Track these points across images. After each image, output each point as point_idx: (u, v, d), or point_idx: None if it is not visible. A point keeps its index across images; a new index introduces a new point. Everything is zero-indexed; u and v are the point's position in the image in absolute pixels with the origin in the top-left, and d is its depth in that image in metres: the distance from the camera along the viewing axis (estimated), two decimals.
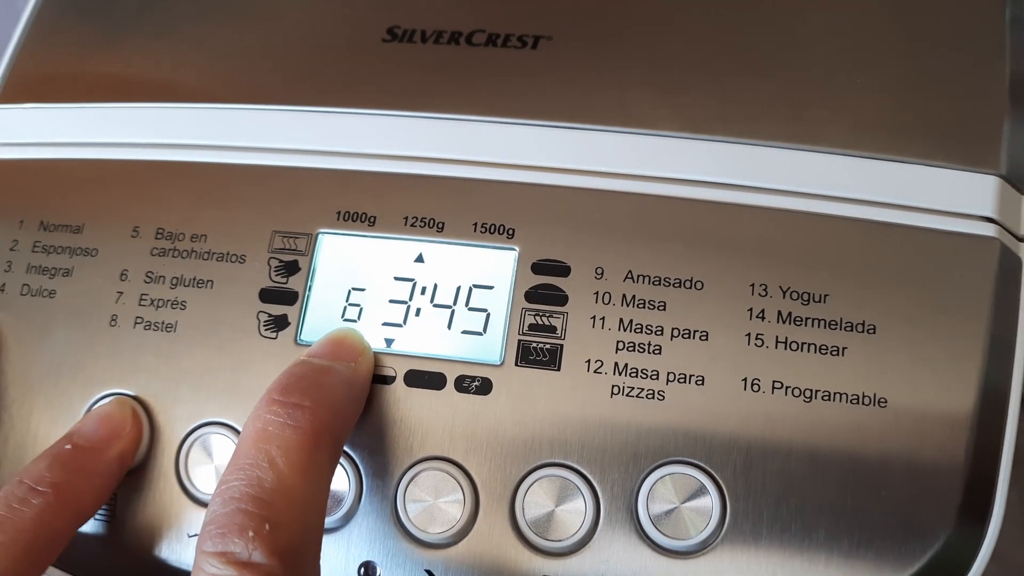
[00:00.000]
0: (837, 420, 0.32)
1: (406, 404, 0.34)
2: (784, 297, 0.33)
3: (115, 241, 0.37)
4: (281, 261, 0.36)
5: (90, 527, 0.35)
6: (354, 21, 0.40)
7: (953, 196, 0.34)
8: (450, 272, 0.35)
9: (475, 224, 0.35)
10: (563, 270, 0.34)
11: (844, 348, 0.33)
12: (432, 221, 0.36)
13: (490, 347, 0.34)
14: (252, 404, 0.34)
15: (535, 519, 0.33)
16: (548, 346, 0.34)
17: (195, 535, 0.34)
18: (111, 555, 0.35)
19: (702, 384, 0.33)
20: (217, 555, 0.27)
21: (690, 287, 0.34)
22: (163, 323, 0.36)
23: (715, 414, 0.32)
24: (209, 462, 0.34)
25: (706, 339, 0.33)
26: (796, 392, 0.32)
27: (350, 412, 0.33)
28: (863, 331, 0.33)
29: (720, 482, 0.32)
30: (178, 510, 0.35)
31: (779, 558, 0.32)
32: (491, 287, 0.35)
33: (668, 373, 0.33)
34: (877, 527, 0.32)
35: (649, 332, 0.33)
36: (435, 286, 0.35)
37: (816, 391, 0.32)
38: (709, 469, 0.32)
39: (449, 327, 0.35)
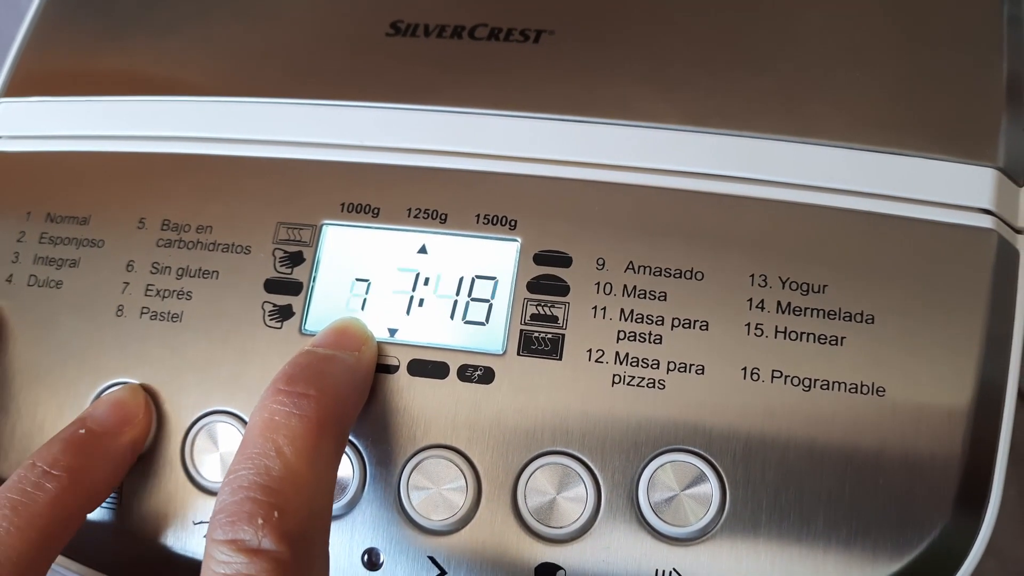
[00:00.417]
0: (836, 409, 0.32)
1: (409, 393, 0.34)
2: (783, 288, 0.34)
3: (121, 232, 0.37)
4: (286, 252, 0.36)
5: (97, 514, 0.35)
6: (358, 15, 0.40)
7: (951, 188, 0.35)
8: (453, 263, 0.35)
9: (477, 215, 0.36)
10: (565, 261, 0.35)
11: (843, 338, 0.33)
12: (435, 213, 0.36)
13: (492, 337, 0.34)
14: (257, 393, 0.34)
15: (537, 506, 0.33)
16: (550, 336, 0.34)
17: (201, 522, 0.35)
18: (117, 542, 0.35)
19: (702, 373, 0.33)
20: (227, 543, 0.28)
21: (690, 278, 0.34)
22: (169, 313, 0.36)
23: (715, 403, 0.33)
24: (215, 450, 0.35)
25: (706, 329, 0.33)
26: (795, 381, 0.33)
27: (354, 399, 0.33)
28: (862, 321, 0.33)
29: (720, 470, 0.32)
30: (184, 498, 0.35)
31: (777, 546, 0.32)
32: (493, 278, 0.35)
33: (668, 362, 0.33)
34: (874, 516, 0.32)
35: (650, 322, 0.34)
36: (438, 277, 0.35)
37: (815, 380, 0.33)
38: (709, 457, 0.32)
39: (452, 317, 0.35)
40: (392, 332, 0.35)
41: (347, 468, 0.34)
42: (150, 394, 0.36)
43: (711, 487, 0.32)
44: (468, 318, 0.35)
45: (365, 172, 0.37)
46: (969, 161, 0.35)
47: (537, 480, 0.33)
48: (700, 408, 0.33)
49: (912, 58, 0.37)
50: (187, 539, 0.35)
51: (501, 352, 0.34)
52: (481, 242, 0.35)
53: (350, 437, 0.34)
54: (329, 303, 0.36)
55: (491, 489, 0.33)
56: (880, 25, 0.37)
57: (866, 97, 0.36)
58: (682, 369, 0.33)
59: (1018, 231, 0.35)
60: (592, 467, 0.33)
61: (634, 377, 0.33)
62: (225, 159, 0.38)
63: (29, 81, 0.41)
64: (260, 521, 0.28)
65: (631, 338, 0.34)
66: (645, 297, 0.34)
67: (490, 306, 0.35)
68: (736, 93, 0.36)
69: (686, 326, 0.34)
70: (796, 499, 0.32)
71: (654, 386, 0.33)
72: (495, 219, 0.36)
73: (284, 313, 0.36)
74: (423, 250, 0.36)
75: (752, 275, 0.34)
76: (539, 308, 0.34)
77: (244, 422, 0.35)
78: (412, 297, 0.35)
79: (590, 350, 0.34)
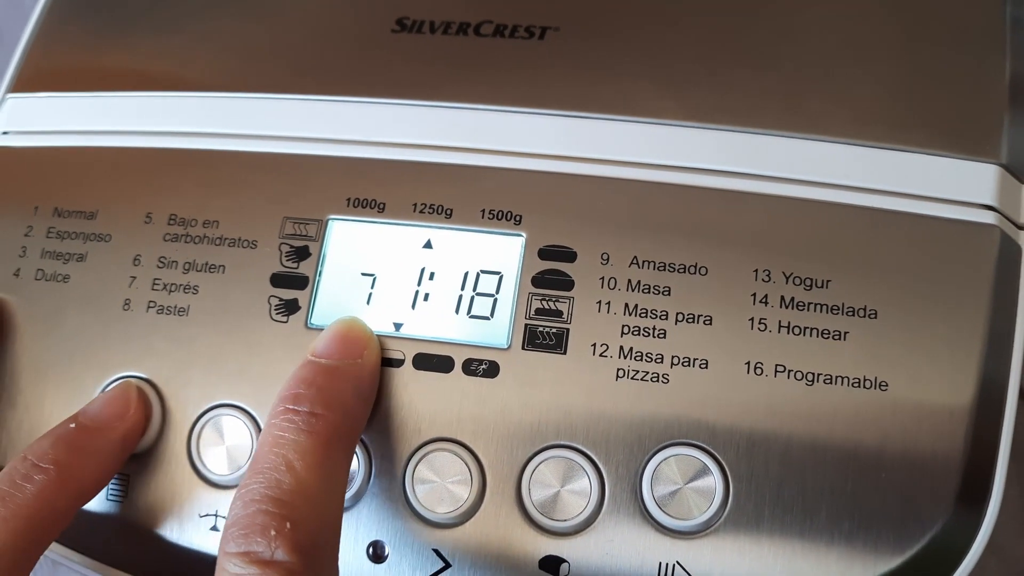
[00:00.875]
0: (838, 403, 0.33)
1: (414, 387, 0.34)
2: (787, 282, 0.34)
3: (128, 227, 0.38)
4: (292, 246, 0.36)
5: (103, 508, 0.36)
6: (364, 12, 0.40)
7: (954, 184, 0.35)
8: (458, 258, 0.36)
9: (483, 211, 0.36)
10: (569, 256, 0.35)
11: (846, 333, 0.33)
12: (440, 208, 0.36)
13: (497, 331, 0.35)
14: (263, 387, 0.35)
15: (541, 500, 0.33)
16: (554, 330, 0.34)
17: (206, 515, 0.35)
18: (123, 535, 0.35)
19: (706, 368, 0.33)
20: (240, 555, 0.28)
21: (694, 272, 0.34)
22: (175, 307, 0.36)
23: (718, 397, 0.33)
24: (220, 443, 0.35)
25: (710, 323, 0.34)
26: (798, 376, 0.33)
27: (361, 409, 0.33)
28: (864, 316, 0.33)
29: (723, 464, 0.33)
30: (189, 491, 0.35)
31: (780, 539, 0.32)
32: (498, 272, 0.35)
33: (672, 357, 0.33)
34: (876, 511, 0.32)
35: (654, 316, 0.34)
36: (443, 271, 0.36)
37: (818, 375, 0.33)
38: (712, 451, 0.33)
39: (457, 311, 0.35)
40: (397, 326, 0.35)
41: (352, 461, 0.34)
42: (156, 388, 0.36)
43: (714, 481, 0.32)
44: (473, 312, 0.35)
45: (371, 167, 0.37)
46: (972, 157, 0.35)
47: (541, 473, 0.33)
48: (703, 402, 0.33)
49: (915, 55, 0.37)
50: (193, 532, 0.35)
51: (506, 346, 0.34)
52: (486, 237, 0.36)
53: None
54: (335, 297, 0.36)
55: (495, 482, 0.33)
56: (883, 22, 0.37)
57: (869, 93, 0.36)
58: (686, 363, 0.33)
59: (1021, 227, 0.35)
60: (596, 461, 0.33)
61: (638, 371, 0.33)
62: (232, 154, 0.38)
63: (36, 77, 0.42)
64: (273, 533, 0.28)
65: (635, 332, 0.34)
66: (649, 292, 0.34)
67: (495, 301, 0.35)
68: (740, 89, 0.37)
69: (690, 321, 0.34)
70: (799, 493, 0.32)
71: (658, 380, 0.33)
72: (500, 214, 0.36)
73: (290, 307, 0.36)
74: (428, 245, 0.36)
75: (756, 270, 0.34)
76: (544, 303, 0.35)
77: (250, 416, 0.35)
78: (417, 291, 0.36)
79: (594, 344, 0.34)
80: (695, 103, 0.36)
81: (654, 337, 0.34)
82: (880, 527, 0.32)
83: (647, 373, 0.33)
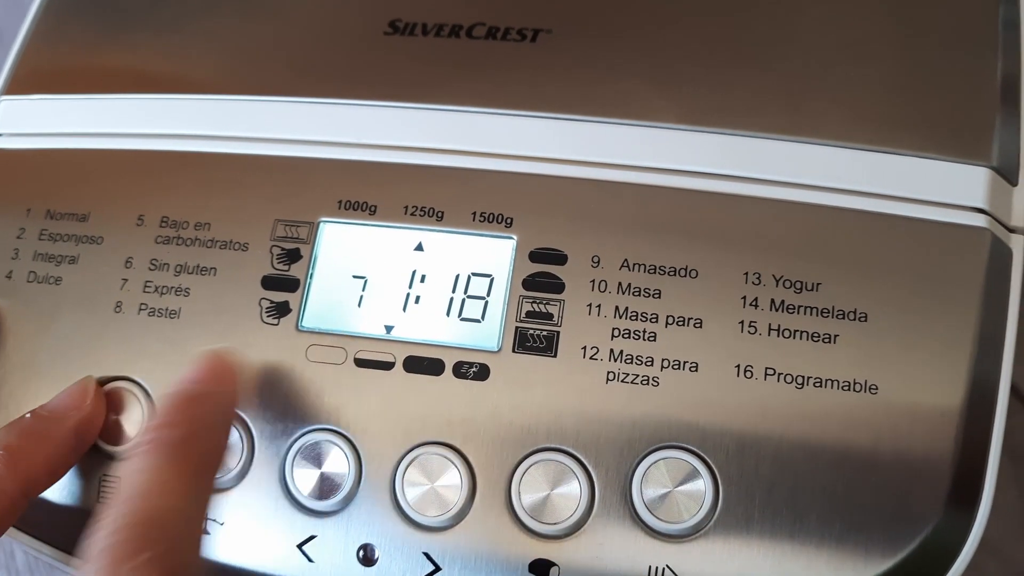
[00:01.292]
0: (829, 406, 0.33)
1: (405, 389, 0.34)
2: (777, 285, 0.34)
3: (120, 229, 0.38)
4: (283, 249, 0.36)
5: (92, 509, 0.36)
6: (356, 14, 0.40)
7: (945, 187, 0.35)
8: (449, 260, 0.36)
9: (474, 213, 0.36)
10: (560, 258, 0.35)
11: (836, 336, 0.33)
12: (432, 210, 0.36)
13: (488, 334, 0.35)
14: (254, 389, 0.35)
15: (531, 503, 0.33)
16: (545, 333, 0.34)
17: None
18: None
19: (696, 370, 0.33)
20: None
21: (685, 275, 0.34)
22: (167, 309, 0.36)
23: (708, 400, 0.33)
24: None
25: (700, 326, 0.34)
26: (788, 379, 0.33)
27: (222, 434, 0.33)
28: (855, 319, 0.33)
29: (713, 466, 0.33)
30: None
31: (771, 542, 0.32)
32: (489, 275, 0.35)
33: (663, 359, 0.33)
34: (867, 513, 0.32)
35: (644, 319, 0.34)
36: (435, 274, 0.36)
37: (808, 378, 0.33)
38: (702, 454, 0.33)
39: (448, 314, 0.35)
40: (388, 329, 0.35)
41: (343, 464, 0.34)
42: (146, 390, 0.36)
43: (704, 484, 0.32)
44: (464, 315, 0.35)
45: (363, 170, 0.37)
46: (963, 160, 0.35)
47: (532, 477, 0.33)
48: (694, 405, 0.33)
49: (907, 58, 0.37)
50: None
51: (496, 349, 0.34)
52: (477, 240, 0.36)
53: (346, 433, 0.34)
54: (326, 300, 0.36)
55: (486, 485, 0.33)
56: (876, 25, 0.38)
57: (861, 97, 0.36)
58: (676, 366, 0.33)
59: (1012, 230, 0.35)
60: (586, 464, 0.33)
61: (628, 374, 0.33)
62: (223, 156, 0.38)
63: (30, 79, 0.42)
64: (134, 560, 0.28)
65: (626, 335, 0.34)
66: (640, 295, 0.34)
67: (486, 303, 0.35)
68: (730, 92, 0.37)
69: (680, 324, 0.34)
70: (789, 496, 0.32)
71: (648, 383, 0.33)
72: (491, 217, 0.36)
73: (281, 310, 0.36)
74: (420, 247, 0.36)
75: (746, 273, 0.34)
76: (534, 305, 0.35)
77: (240, 419, 0.35)
78: (408, 294, 0.36)
79: (585, 347, 0.34)
80: (686, 106, 0.37)
81: (644, 340, 0.34)
82: (871, 529, 0.32)
83: (637, 376, 0.33)
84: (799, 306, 0.34)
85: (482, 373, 0.34)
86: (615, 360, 0.34)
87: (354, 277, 0.36)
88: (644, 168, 0.36)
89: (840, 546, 0.32)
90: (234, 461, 0.35)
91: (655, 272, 0.34)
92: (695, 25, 0.38)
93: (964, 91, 0.36)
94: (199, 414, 0.32)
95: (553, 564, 0.33)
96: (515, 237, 0.35)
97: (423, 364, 0.35)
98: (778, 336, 0.33)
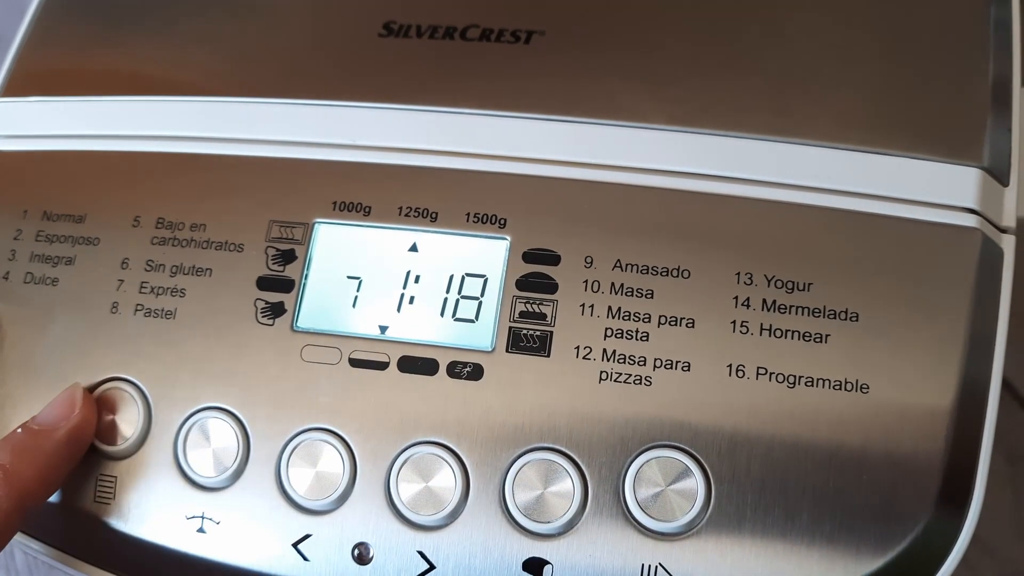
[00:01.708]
0: (820, 406, 0.33)
1: (399, 389, 0.35)
2: (769, 285, 0.34)
3: (116, 230, 0.38)
4: (278, 250, 0.37)
5: (90, 509, 0.36)
6: (350, 16, 0.41)
7: (936, 188, 0.35)
8: (443, 261, 0.36)
9: (468, 214, 0.36)
10: (553, 259, 0.35)
11: (827, 335, 0.33)
12: (426, 211, 0.36)
13: (482, 334, 0.35)
14: (249, 389, 0.35)
15: (525, 501, 0.33)
16: (538, 333, 0.34)
17: (192, 517, 0.35)
18: (109, 536, 0.36)
19: (688, 370, 0.33)
20: None
21: (677, 276, 0.34)
22: (163, 310, 0.37)
23: (700, 399, 0.33)
24: (207, 446, 0.35)
25: (692, 326, 0.34)
26: (780, 378, 0.33)
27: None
28: (846, 319, 0.33)
29: (705, 465, 0.33)
30: (176, 493, 0.35)
31: (762, 540, 0.32)
32: (483, 276, 0.35)
33: (655, 359, 0.34)
34: (858, 511, 0.32)
35: (637, 319, 0.34)
36: (429, 274, 0.36)
37: (799, 377, 0.33)
38: (694, 453, 0.33)
39: (442, 314, 0.35)
40: (383, 329, 0.35)
41: (337, 463, 0.34)
42: (142, 390, 0.36)
43: (696, 482, 0.33)
44: (458, 315, 0.35)
45: (357, 171, 0.37)
46: (954, 161, 0.35)
47: (525, 475, 0.33)
48: (686, 404, 0.33)
49: (898, 59, 0.37)
50: (179, 534, 0.35)
51: (490, 349, 0.35)
52: (471, 240, 0.36)
53: (340, 432, 0.34)
54: (321, 300, 0.36)
55: (479, 484, 0.34)
56: (866, 26, 0.38)
57: (852, 97, 0.36)
58: (668, 366, 0.34)
59: (1003, 230, 0.35)
60: (579, 463, 0.33)
61: (621, 374, 0.34)
62: (219, 158, 0.38)
63: (26, 81, 0.42)
64: None
65: (618, 335, 0.34)
66: (632, 295, 0.34)
67: (479, 304, 0.35)
68: (723, 93, 0.37)
69: (672, 323, 0.34)
70: (780, 494, 0.32)
71: (640, 383, 0.34)
72: (485, 218, 0.36)
73: (276, 310, 0.36)
74: (414, 248, 0.36)
75: (738, 273, 0.34)
76: (528, 306, 0.35)
77: (236, 418, 0.35)
78: (403, 295, 0.36)
79: (578, 347, 0.34)
80: (679, 107, 0.37)
81: (637, 340, 0.34)
82: (862, 528, 0.32)
83: (630, 375, 0.34)
84: (791, 306, 0.34)
85: (476, 373, 0.34)
86: (608, 360, 0.34)
87: (349, 278, 0.36)
88: (637, 169, 0.36)
89: (831, 544, 0.32)
90: (229, 460, 0.35)
91: (647, 272, 0.35)
92: (687, 27, 0.38)
93: (955, 91, 0.36)
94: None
95: (546, 563, 0.33)
96: (508, 238, 0.36)
97: (417, 364, 0.35)
98: (770, 336, 0.33)
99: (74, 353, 0.37)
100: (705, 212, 0.35)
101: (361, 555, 0.34)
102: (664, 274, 0.34)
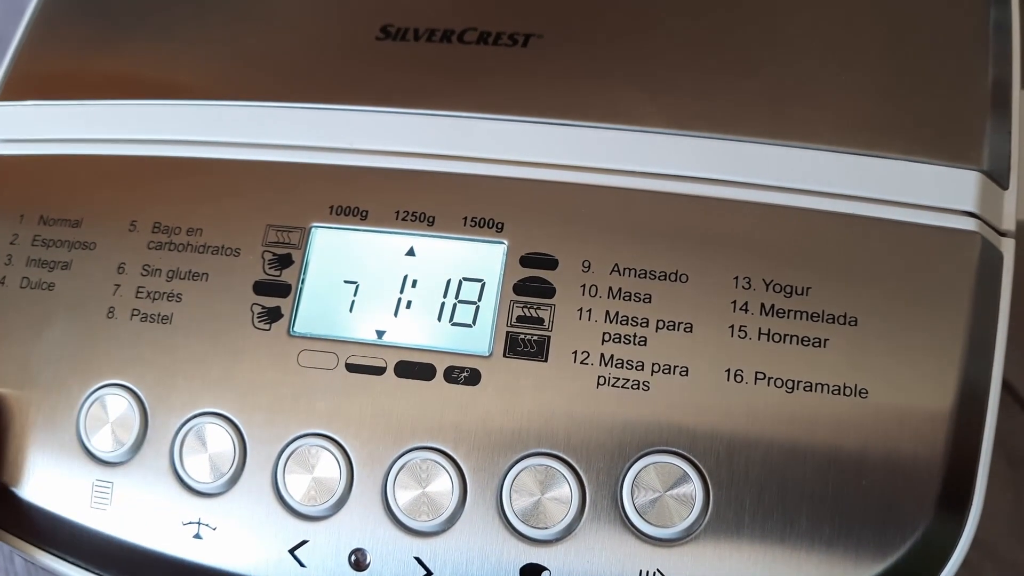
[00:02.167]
0: (819, 411, 0.33)
1: (396, 394, 0.34)
2: (767, 290, 0.34)
3: (113, 235, 0.38)
4: (275, 254, 0.36)
5: (87, 515, 0.36)
6: (348, 20, 0.41)
7: (935, 191, 0.35)
8: (440, 265, 0.36)
9: (465, 218, 0.36)
10: (551, 263, 0.35)
11: (826, 340, 0.33)
12: (423, 215, 0.36)
13: (479, 339, 0.35)
14: (246, 395, 0.35)
15: (522, 507, 0.33)
16: (536, 337, 0.34)
17: (189, 523, 0.35)
18: (105, 541, 0.35)
19: (686, 375, 0.33)
20: None
21: (675, 280, 0.34)
22: (159, 315, 0.36)
23: (699, 404, 0.33)
24: (203, 451, 0.35)
25: (690, 331, 0.34)
26: (778, 383, 0.33)
27: None
28: (845, 323, 0.33)
29: (703, 471, 0.33)
30: (172, 498, 0.35)
31: (761, 546, 0.32)
32: (480, 280, 0.35)
33: (653, 364, 0.34)
34: (857, 516, 0.32)
35: (635, 324, 0.34)
36: (426, 279, 0.36)
37: (798, 382, 0.33)
38: (692, 458, 0.33)
39: (439, 319, 0.35)
40: (380, 334, 0.35)
41: (334, 469, 0.34)
42: (139, 396, 0.36)
43: (694, 488, 0.32)
44: (455, 320, 0.35)
45: (354, 175, 0.37)
46: (954, 164, 0.35)
47: (522, 481, 0.33)
48: (684, 409, 0.33)
49: (897, 62, 0.37)
50: (175, 540, 0.35)
51: (487, 354, 0.34)
52: (468, 244, 0.36)
53: (337, 438, 0.34)
54: (318, 305, 0.36)
55: (477, 490, 0.33)
56: (866, 29, 0.38)
57: (851, 101, 0.36)
58: (666, 371, 0.33)
59: (1002, 234, 0.35)
60: (577, 468, 0.33)
61: (619, 379, 0.34)
62: (215, 162, 0.38)
63: (23, 85, 0.42)
64: None
65: (616, 340, 0.34)
66: (630, 299, 0.34)
67: (477, 308, 0.35)
68: (722, 97, 0.37)
69: (670, 328, 0.34)
70: (779, 499, 0.32)
71: (638, 388, 0.33)
72: (482, 222, 0.36)
73: (273, 315, 0.36)
74: (411, 252, 0.36)
75: (736, 277, 0.34)
76: (525, 310, 0.35)
77: (233, 424, 0.35)
78: (400, 299, 0.36)
79: (575, 352, 0.34)
80: (677, 111, 0.37)
81: (635, 344, 0.34)
82: (861, 533, 0.32)
83: (628, 380, 0.33)
84: (789, 310, 0.34)
85: (473, 378, 0.34)
86: (606, 364, 0.34)
87: (345, 282, 0.36)
88: (635, 173, 0.36)
89: (830, 549, 0.32)
90: (226, 466, 0.35)
91: (645, 277, 0.34)
92: (685, 30, 0.38)
93: (955, 94, 0.36)
94: None
95: (544, 569, 0.33)
96: (506, 242, 0.35)
97: (414, 369, 0.35)
98: (768, 340, 0.33)
99: (71, 358, 0.37)
100: (703, 216, 0.35)
101: (358, 561, 0.34)
102: (662, 278, 0.34)
